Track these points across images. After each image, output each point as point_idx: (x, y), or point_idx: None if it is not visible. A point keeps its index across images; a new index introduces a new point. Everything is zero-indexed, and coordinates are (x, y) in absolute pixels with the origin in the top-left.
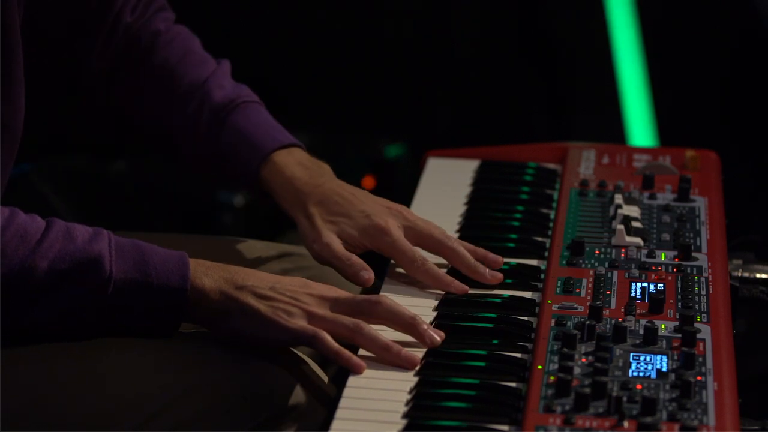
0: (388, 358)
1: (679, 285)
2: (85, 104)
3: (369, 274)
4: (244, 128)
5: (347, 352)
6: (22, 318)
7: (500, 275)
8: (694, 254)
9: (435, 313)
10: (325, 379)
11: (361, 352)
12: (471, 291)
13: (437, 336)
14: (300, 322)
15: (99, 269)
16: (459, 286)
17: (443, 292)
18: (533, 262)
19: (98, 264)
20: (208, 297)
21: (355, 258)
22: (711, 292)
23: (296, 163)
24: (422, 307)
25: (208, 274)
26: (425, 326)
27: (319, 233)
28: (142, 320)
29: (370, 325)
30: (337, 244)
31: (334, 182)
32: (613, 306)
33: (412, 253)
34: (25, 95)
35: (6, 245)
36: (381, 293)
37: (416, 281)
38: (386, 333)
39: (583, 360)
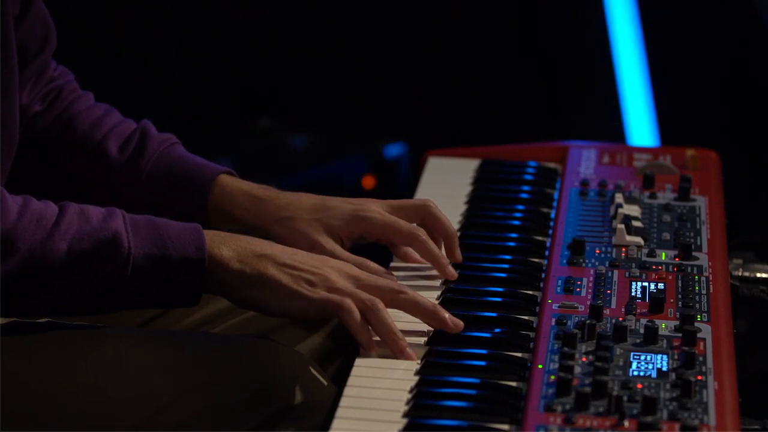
0: (391, 346)
1: (680, 284)
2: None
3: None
4: (184, 159)
5: (369, 332)
6: (45, 300)
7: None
8: (694, 254)
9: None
10: (326, 378)
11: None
12: (472, 289)
13: (459, 321)
14: (323, 293)
15: (117, 246)
16: (452, 273)
17: (440, 292)
18: (534, 261)
19: (116, 241)
20: (227, 266)
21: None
22: (711, 291)
23: (245, 182)
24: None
25: (225, 244)
26: (445, 313)
27: (309, 235)
28: (163, 293)
29: (385, 309)
30: (332, 243)
31: (291, 192)
32: (613, 305)
33: (406, 225)
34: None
35: (24, 230)
36: None
37: (417, 276)
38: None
39: (584, 359)
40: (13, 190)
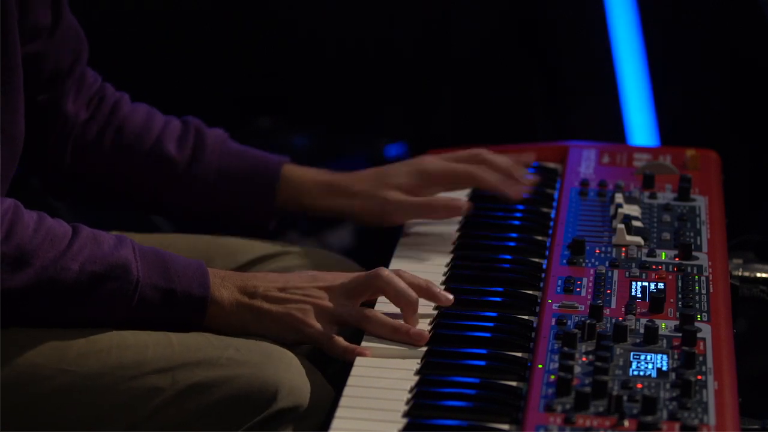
0: (398, 338)
1: (680, 284)
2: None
3: (457, 203)
4: (244, 154)
5: (353, 349)
6: (53, 317)
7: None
8: (694, 253)
9: (435, 312)
10: (324, 381)
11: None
12: (472, 289)
13: (449, 295)
14: (313, 323)
15: (127, 274)
16: (518, 193)
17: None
18: (534, 260)
19: (126, 269)
20: (225, 308)
21: (435, 198)
22: (711, 291)
23: (307, 169)
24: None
25: (225, 285)
26: (437, 288)
27: (383, 197)
28: (164, 323)
29: (376, 312)
30: (406, 195)
31: (350, 172)
32: (613, 305)
33: (462, 165)
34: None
35: (38, 247)
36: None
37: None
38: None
39: (584, 359)
40: (68, 200)
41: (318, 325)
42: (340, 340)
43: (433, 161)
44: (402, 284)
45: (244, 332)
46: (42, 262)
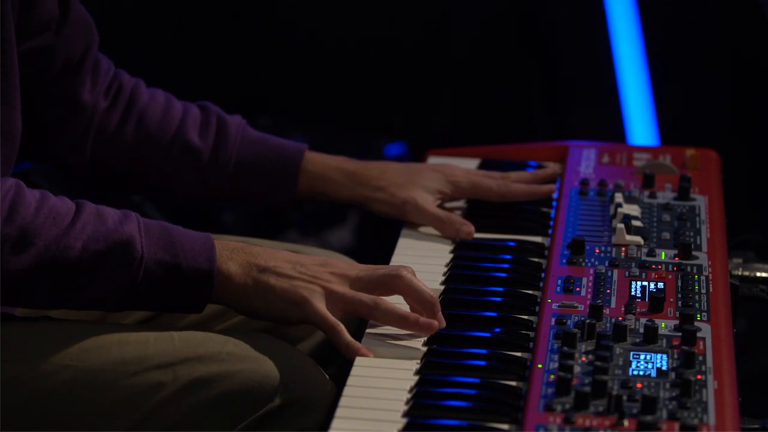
0: (406, 327)
1: (680, 284)
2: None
3: (469, 228)
4: (265, 141)
5: (356, 345)
6: (55, 296)
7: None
8: (694, 253)
9: None
10: (325, 378)
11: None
12: (472, 289)
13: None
14: (319, 305)
15: (131, 250)
16: (549, 188)
17: (441, 292)
18: (534, 260)
19: (130, 245)
20: (233, 281)
21: (453, 215)
22: (711, 290)
23: (330, 157)
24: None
25: (233, 258)
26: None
27: (409, 196)
28: (171, 299)
29: (386, 300)
30: (431, 202)
31: (377, 162)
32: (613, 305)
33: (494, 181)
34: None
35: (40, 226)
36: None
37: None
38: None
39: (584, 359)
40: (90, 188)
41: (323, 308)
42: (345, 332)
43: (464, 174)
44: (422, 286)
45: (248, 308)
46: (45, 242)
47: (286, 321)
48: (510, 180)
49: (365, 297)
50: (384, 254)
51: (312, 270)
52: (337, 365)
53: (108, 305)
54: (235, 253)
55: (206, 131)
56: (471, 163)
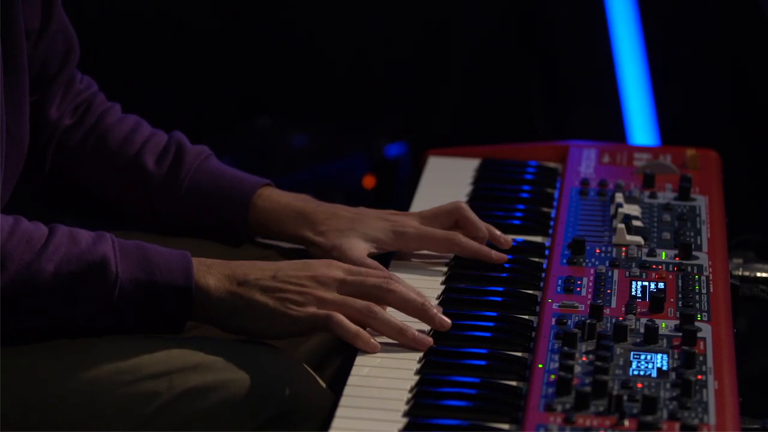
0: (402, 341)
1: (680, 284)
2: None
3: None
4: (222, 173)
5: (366, 334)
6: (30, 320)
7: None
8: (694, 253)
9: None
10: (322, 386)
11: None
12: (473, 288)
13: (447, 320)
14: (311, 310)
15: (105, 271)
16: (499, 256)
17: (441, 292)
18: (534, 260)
19: (104, 266)
20: (212, 296)
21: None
22: (711, 290)
23: (285, 194)
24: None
25: (211, 273)
26: (435, 310)
27: (339, 243)
28: (149, 319)
29: (378, 307)
30: (359, 251)
31: (329, 204)
32: (613, 305)
33: (442, 233)
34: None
35: (12, 250)
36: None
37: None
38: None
39: (584, 359)
40: (44, 207)
41: (314, 309)
42: (345, 320)
43: (412, 225)
44: (413, 295)
45: (234, 324)
46: (17, 265)
47: (276, 336)
48: (465, 227)
49: (357, 302)
50: (383, 254)
51: (295, 278)
52: (336, 366)
53: (86, 327)
54: (213, 268)
55: (164, 157)
56: (471, 163)
